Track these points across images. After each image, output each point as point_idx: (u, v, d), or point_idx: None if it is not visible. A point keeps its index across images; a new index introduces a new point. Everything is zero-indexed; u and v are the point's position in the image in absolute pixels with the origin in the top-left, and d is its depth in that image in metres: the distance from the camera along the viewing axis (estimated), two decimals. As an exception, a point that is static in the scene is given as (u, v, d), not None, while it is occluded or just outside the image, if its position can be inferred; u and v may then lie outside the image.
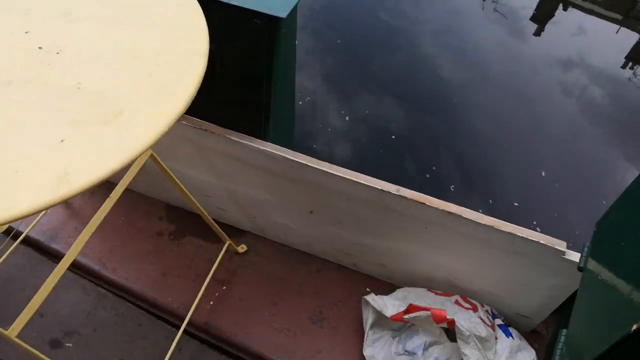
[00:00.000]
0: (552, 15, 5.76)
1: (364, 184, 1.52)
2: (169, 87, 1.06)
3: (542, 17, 5.67)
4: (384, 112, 3.67)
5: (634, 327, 0.68)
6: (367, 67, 4.09)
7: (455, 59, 4.48)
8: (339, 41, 4.23)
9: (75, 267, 1.87)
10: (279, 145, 1.63)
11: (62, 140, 0.93)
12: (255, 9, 1.42)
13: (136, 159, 0.93)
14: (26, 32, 1.17)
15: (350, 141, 3.38)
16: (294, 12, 1.54)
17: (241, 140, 1.60)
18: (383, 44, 4.46)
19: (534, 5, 5.77)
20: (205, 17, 1.22)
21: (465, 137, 3.59)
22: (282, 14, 1.41)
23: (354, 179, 1.52)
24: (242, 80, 1.64)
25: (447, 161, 3.34)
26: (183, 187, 1.55)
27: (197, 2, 1.28)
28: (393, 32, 4.69)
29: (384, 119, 3.60)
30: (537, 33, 5.30)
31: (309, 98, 3.64)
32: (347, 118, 3.53)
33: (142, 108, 1.01)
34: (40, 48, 1.13)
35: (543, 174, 3.30)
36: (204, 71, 1.10)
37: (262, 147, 1.58)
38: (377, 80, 3.95)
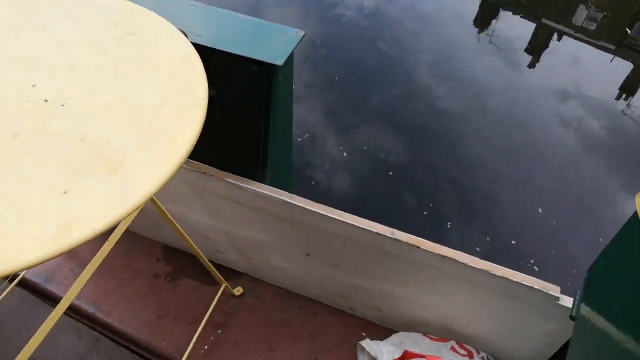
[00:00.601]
0: (547, 45, 5.89)
1: (359, 227, 1.54)
2: (170, 137, 1.10)
3: (536, 47, 5.78)
4: (382, 146, 3.72)
5: (622, 382, 0.68)
6: (365, 100, 4.17)
7: (452, 90, 4.57)
8: (337, 78, 4.34)
9: (69, 309, 1.86)
10: (276, 187, 1.66)
11: (65, 192, 0.96)
12: (252, 57, 1.48)
13: (139, 208, 0.96)
14: (33, 85, 1.21)
15: (349, 177, 3.41)
16: (290, 59, 1.60)
17: (239, 183, 1.63)
18: (381, 75, 4.56)
19: (528, 36, 5.91)
20: (205, 63, 1.26)
21: (462, 170, 3.63)
22: (279, 61, 1.47)
23: (350, 222, 1.55)
24: (240, 125, 1.69)
25: (444, 196, 3.37)
26: (181, 230, 1.57)
27: (197, 54, 1.34)
28: (390, 62, 4.79)
29: (382, 153, 3.65)
30: (532, 64, 5.40)
31: (307, 134, 3.70)
32: (344, 154, 3.59)
33: (145, 158, 1.05)
34: (46, 101, 1.17)
35: (540, 210, 3.32)
36: (203, 121, 1.14)
37: (260, 190, 1.61)
38: (375, 113, 4.02)
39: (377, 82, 4.45)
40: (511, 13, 6.89)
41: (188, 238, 1.60)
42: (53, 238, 0.87)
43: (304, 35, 1.58)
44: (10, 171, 0.98)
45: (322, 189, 3.18)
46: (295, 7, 6.17)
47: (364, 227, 1.53)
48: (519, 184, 3.57)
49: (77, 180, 0.98)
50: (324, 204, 1.62)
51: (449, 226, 3.10)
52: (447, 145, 3.81)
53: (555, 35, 6.28)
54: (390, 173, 3.40)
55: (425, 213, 3.15)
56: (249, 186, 1.62)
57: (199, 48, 1.34)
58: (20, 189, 0.94)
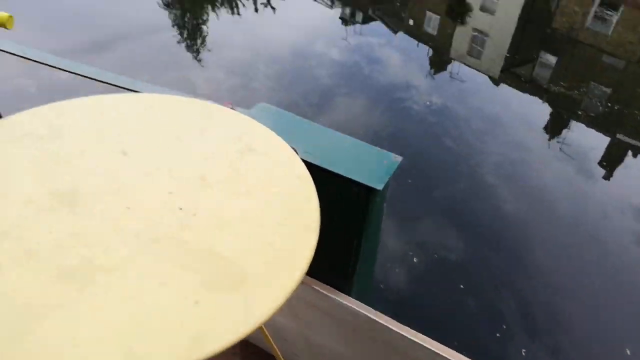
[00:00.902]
0: (622, 160, 5.76)
1: (442, 355, 1.52)
2: (287, 258, 1.19)
3: (610, 161, 5.68)
4: (447, 245, 3.67)
5: None
6: (429, 195, 4.17)
7: (520, 194, 4.49)
8: (410, 181, 4.42)
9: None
10: (360, 297, 1.70)
11: (196, 302, 1.05)
12: (355, 180, 1.60)
13: (259, 327, 1.02)
14: (169, 193, 1.35)
15: (418, 284, 3.37)
16: (387, 183, 1.71)
17: (326, 293, 1.68)
18: (447, 171, 4.57)
19: (601, 147, 5.80)
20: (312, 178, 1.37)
21: (534, 284, 3.48)
22: (379, 186, 1.58)
23: (434, 349, 1.53)
24: (334, 237, 1.78)
25: (518, 316, 3.21)
26: (265, 330, 1.62)
27: (309, 175, 1.46)
28: (456, 160, 4.81)
29: (448, 253, 3.60)
30: (607, 177, 5.26)
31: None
32: (415, 259, 3.58)
33: (264, 277, 1.14)
34: (180, 209, 1.30)
35: (628, 352, 3.06)
36: (316, 245, 1.23)
37: (346, 303, 1.65)
38: (444, 215, 4.00)
39: (442, 178, 4.49)
40: (584, 125, 6.88)
41: (271, 339, 1.65)
42: (186, 349, 0.95)
43: (401, 161, 1.70)
44: (150, 276, 1.08)
45: (388, 294, 3.16)
46: (365, 98, 6.51)
47: (448, 356, 1.51)
48: (598, 307, 3.35)
49: (207, 292, 1.07)
50: (400, 319, 1.62)
51: (523, 353, 2.93)
52: (517, 253, 3.70)
53: (630, 152, 6.16)
54: (462, 286, 3.33)
55: (497, 335, 3.01)
56: (335, 297, 1.67)
57: (306, 165, 1.46)
58: (159, 295, 1.03)
